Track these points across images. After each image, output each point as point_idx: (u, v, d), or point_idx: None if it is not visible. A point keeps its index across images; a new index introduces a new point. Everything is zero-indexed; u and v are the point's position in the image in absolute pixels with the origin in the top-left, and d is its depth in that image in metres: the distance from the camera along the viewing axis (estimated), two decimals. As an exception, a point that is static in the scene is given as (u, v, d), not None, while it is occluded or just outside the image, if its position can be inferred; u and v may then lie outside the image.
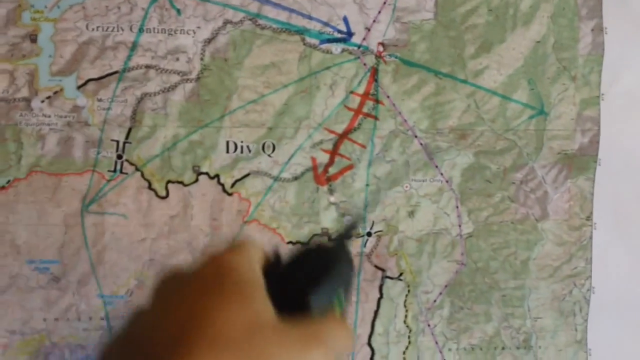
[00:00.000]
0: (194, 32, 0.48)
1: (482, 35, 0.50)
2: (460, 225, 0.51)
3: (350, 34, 0.49)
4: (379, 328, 0.51)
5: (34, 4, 0.46)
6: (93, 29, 0.47)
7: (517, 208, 0.52)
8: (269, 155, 0.49)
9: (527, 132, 0.51)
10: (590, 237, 0.52)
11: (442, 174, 0.51)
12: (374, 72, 0.49)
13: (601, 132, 0.52)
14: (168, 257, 0.49)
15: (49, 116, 0.47)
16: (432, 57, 0.50)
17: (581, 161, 0.52)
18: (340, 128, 0.50)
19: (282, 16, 0.48)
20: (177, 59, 0.48)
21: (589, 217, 0.52)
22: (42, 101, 0.47)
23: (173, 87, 0.48)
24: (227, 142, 0.49)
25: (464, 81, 0.50)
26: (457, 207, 0.51)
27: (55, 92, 0.47)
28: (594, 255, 0.53)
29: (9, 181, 0.47)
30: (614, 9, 0.51)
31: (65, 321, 0.48)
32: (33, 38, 0.46)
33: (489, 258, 0.52)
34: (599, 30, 0.51)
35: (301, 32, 0.48)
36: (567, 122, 0.51)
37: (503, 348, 0.53)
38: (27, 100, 0.47)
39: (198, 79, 0.48)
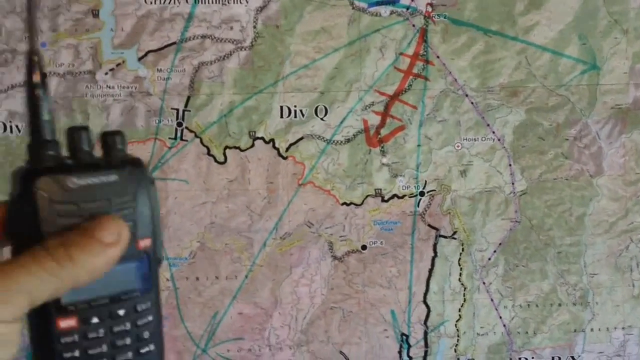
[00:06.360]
0: (247, 1, 0.49)
1: (532, -8, 0.50)
2: (513, 183, 0.52)
3: (399, -5, 0.50)
4: (434, 286, 0.52)
5: (96, -21, 0.48)
6: (151, 2, 0.49)
7: (572, 164, 0.51)
8: (322, 119, 0.50)
9: (580, 87, 0.51)
10: (647, 191, 0.52)
11: (494, 132, 0.51)
12: (423, 32, 0.50)
13: (656, 85, 0.51)
14: (228, 220, 0.51)
15: (113, 87, 0.49)
16: (481, 16, 0.50)
17: (636, 115, 0.51)
18: (390, 90, 0.50)
19: (332, -20, 0.49)
20: (231, 28, 0.49)
21: (645, 172, 0.52)
22: (106, 73, 0.49)
23: (228, 56, 0.49)
24: (281, 107, 0.50)
25: (514, 38, 0.50)
26: (510, 165, 0.51)
27: (118, 65, 0.49)
28: (651, 209, 0.52)
29: (77, 151, 0.49)
30: (670, -46, 0.50)
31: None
32: (95, 13, 0.48)
33: (543, 215, 0.52)
34: (652, -20, 0.50)
35: (350, -4, 0.49)
36: (620, 76, 0.51)
37: (559, 305, 0.53)
38: (92, 73, 0.49)
39: (252, 46, 0.49)
